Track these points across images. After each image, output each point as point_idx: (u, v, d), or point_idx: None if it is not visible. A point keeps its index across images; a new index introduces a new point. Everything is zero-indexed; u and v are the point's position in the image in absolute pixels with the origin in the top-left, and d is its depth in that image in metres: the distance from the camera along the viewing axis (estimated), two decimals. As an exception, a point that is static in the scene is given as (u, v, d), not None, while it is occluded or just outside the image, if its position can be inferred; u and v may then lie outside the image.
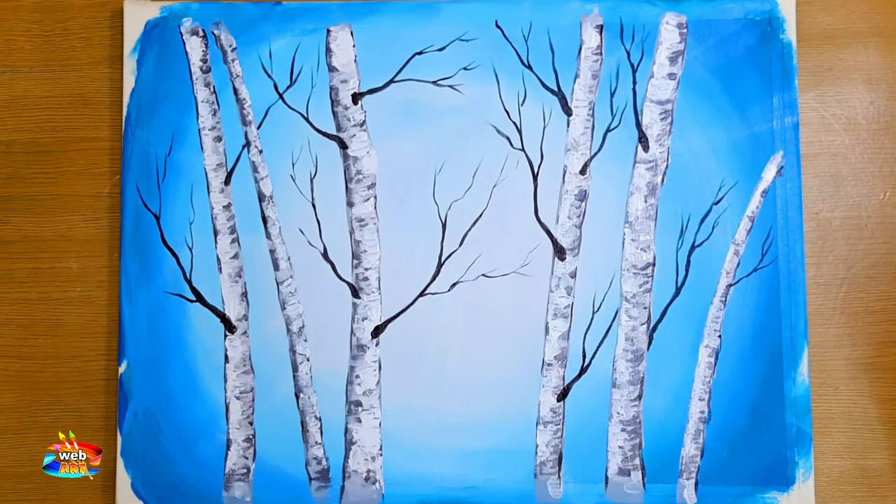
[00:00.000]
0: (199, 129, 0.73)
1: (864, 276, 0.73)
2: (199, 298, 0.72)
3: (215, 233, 0.73)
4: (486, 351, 0.72)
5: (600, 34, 0.73)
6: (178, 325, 0.72)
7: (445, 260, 0.72)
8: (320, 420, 0.72)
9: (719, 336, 0.71)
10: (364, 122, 0.73)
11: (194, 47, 0.74)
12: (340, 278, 0.72)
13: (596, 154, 0.73)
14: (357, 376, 0.72)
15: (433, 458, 0.71)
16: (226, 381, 0.72)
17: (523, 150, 0.73)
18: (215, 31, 0.74)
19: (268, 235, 0.73)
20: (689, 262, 0.72)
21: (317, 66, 0.73)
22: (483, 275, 0.72)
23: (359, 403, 0.72)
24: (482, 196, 0.72)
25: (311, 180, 0.73)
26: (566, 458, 0.71)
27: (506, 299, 0.72)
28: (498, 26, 0.73)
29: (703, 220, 0.72)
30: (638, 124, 0.73)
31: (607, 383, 0.72)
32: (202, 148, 0.73)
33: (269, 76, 0.73)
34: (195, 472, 0.72)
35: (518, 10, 0.73)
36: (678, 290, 0.72)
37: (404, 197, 0.73)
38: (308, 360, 0.72)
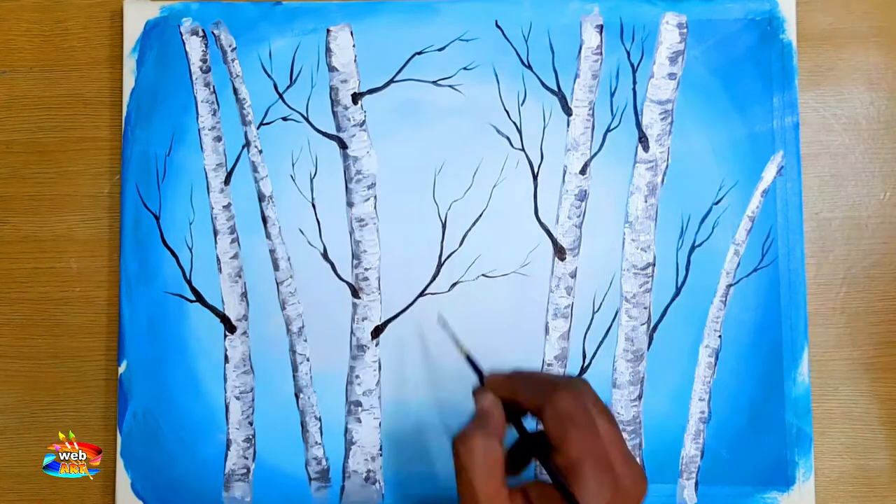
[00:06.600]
0: (199, 129, 0.73)
1: (864, 276, 0.73)
2: (199, 298, 0.72)
3: (215, 233, 0.73)
4: (486, 351, 0.71)
5: (600, 34, 0.73)
6: (178, 325, 0.72)
7: (445, 260, 0.72)
8: (320, 420, 0.72)
9: (719, 336, 0.71)
10: (364, 122, 0.73)
11: (194, 47, 0.74)
12: (340, 278, 0.72)
13: (596, 154, 0.73)
14: (357, 376, 0.72)
15: (433, 458, 0.71)
16: (226, 381, 0.72)
17: (523, 150, 0.73)
18: (215, 31, 0.74)
19: (268, 235, 0.73)
20: (689, 262, 0.72)
21: (317, 66, 0.73)
22: (483, 275, 0.72)
23: (359, 403, 0.72)
24: (482, 196, 0.72)
25: (311, 180, 0.73)
26: (566, 458, 0.71)
27: (506, 299, 0.72)
28: (498, 26, 0.73)
29: (703, 220, 0.72)
30: (638, 124, 0.72)
31: (607, 383, 0.72)
32: (202, 148, 0.73)
33: (269, 76, 0.73)
34: (195, 472, 0.71)
35: (518, 10, 0.73)
36: (678, 290, 0.72)
37: (404, 197, 0.73)
38: (308, 360, 0.72)
